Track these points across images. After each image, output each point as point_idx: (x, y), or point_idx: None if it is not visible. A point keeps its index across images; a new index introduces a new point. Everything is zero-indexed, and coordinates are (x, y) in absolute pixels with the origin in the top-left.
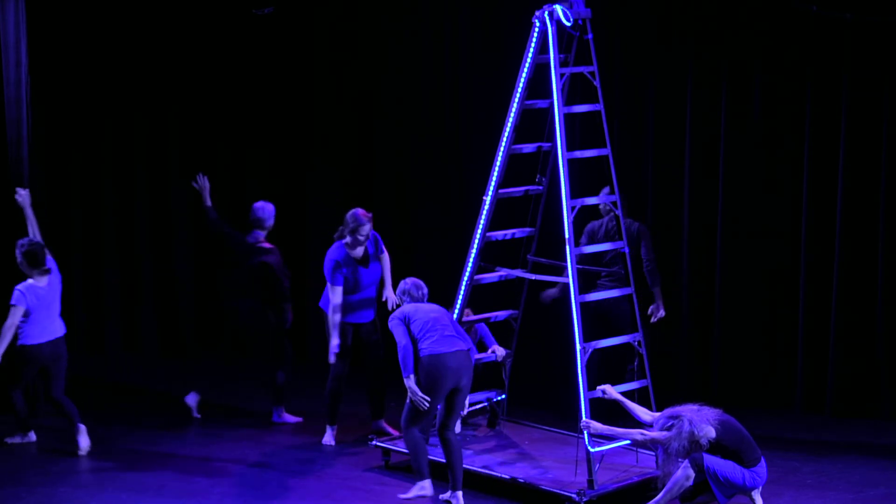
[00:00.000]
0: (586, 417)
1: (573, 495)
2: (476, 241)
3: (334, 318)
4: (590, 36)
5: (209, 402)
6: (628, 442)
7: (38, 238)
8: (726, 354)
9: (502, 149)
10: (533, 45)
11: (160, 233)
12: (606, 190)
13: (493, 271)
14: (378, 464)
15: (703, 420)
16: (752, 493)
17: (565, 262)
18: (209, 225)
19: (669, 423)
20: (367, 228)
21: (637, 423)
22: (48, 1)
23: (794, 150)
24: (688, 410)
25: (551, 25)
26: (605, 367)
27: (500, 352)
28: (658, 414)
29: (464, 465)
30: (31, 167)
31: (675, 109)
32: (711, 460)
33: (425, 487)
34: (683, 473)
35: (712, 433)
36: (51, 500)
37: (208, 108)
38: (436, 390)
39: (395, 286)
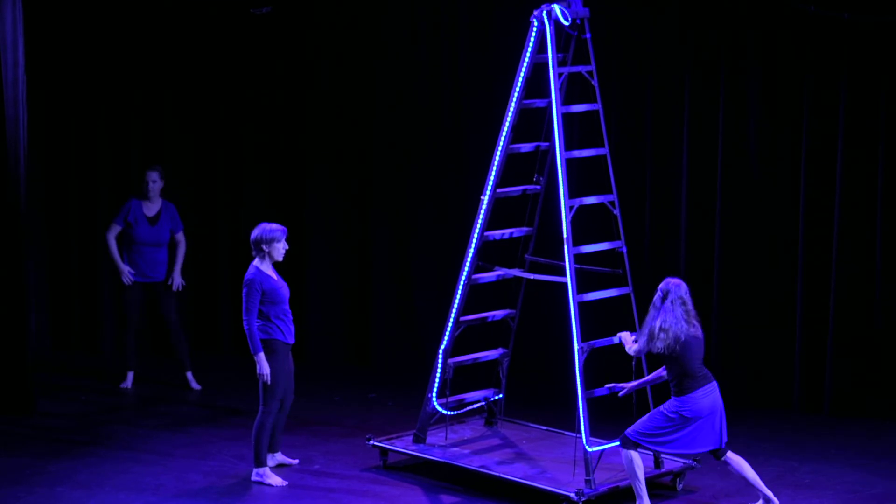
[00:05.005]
0: (612, 386)
1: (571, 495)
2: (474, 240)
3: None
4: (588, 35)
5: (207, 403)
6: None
7: None
8: (724, 354)
9: (500, 148)
10: (531, 44)
11: None
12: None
13: (490, 271)
14: (376, 463)
15: (678, 327)
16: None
17: (563, 261)
18: None
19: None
20: (153, 174)
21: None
22: (46, 1)
23: (791, 148)
24: (677, 307)
25: (549, 25)
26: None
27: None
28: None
29: (461, 465)
30: (28, 166)
31: (673, 109)
32: (631, 428)
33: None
34: (625, 458)
35: (670, 341)
36: (49, 499)
37: (206, 108)
38: None
39: None
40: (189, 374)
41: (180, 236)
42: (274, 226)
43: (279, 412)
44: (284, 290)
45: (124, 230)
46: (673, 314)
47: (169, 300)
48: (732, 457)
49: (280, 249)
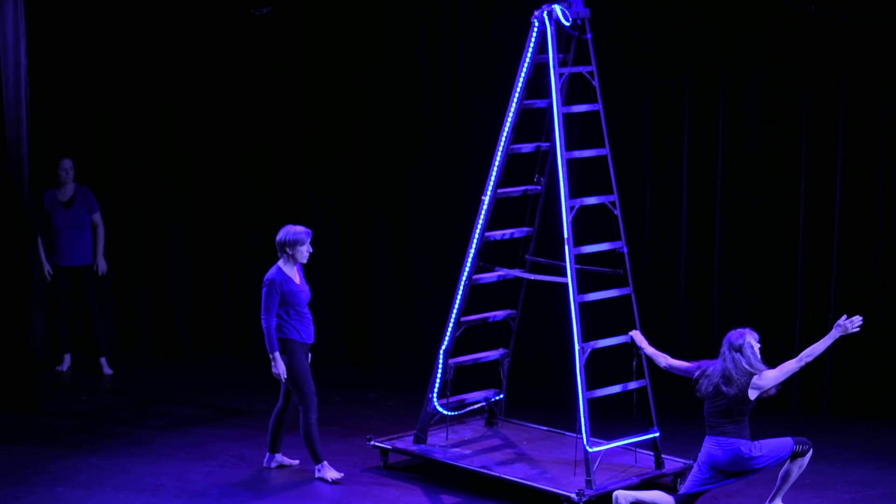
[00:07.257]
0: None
1: (572, 495)
2: (474, 240)
3: None
4: (588, 36)
5: (207, 403)
6: (627, 442)
7: None
8: None
9: (501, 148)
10: (532, 44)
11: (157, 232)
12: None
13: (491, 271)
14: (376, 464)
15: (710, 380)
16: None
17: (564, 262)
18: None
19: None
20: (65, 163)
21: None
22: (47, 2)
23: (792, 149)
24: (719, 361)
25: (550, 25)
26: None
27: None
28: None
29: (462, 466)
30: (30, 167)
31: (674, 109)
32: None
33: None
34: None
35: (701, 386)
36: (49, 499)
37: (207, 108)
38: None
39: None
40: (103, 360)
41: (97, 217)
42: (299, 228)
43: (285, 410)
44: (304, 293)
45: (46, 220)
46: (714, 365)
47: (90, 285)
48: None
49: (304, 252)
